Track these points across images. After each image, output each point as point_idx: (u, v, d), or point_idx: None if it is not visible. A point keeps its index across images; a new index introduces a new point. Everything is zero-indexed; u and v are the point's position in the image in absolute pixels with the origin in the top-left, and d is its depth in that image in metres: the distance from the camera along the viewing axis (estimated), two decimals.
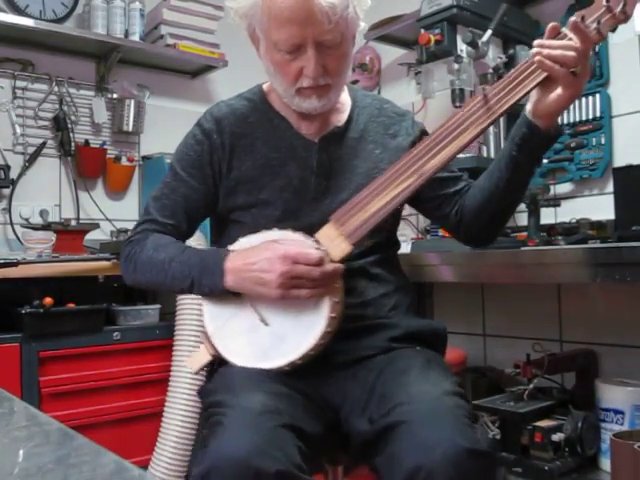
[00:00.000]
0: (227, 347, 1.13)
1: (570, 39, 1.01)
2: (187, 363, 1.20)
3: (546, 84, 1.04)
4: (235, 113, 1.24)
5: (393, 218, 1.27)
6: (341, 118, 1.27)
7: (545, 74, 1.03)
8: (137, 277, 1.22)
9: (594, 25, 1.00)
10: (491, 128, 1.96)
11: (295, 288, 1.05)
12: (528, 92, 1.06)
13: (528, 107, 1.09)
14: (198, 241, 1.99)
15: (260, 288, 1.08)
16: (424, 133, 1.30)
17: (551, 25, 1.04)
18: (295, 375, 1.08)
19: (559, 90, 1.03)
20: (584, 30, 1.00)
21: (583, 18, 1.01)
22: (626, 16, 1.00)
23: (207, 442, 0.94)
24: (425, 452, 0.88)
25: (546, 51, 1.01)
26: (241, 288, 1.11)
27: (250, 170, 1.21)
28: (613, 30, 1.03)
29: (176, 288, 1.19)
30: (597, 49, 1.98)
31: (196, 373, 1.19)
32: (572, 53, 1.00)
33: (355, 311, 1.15)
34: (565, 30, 1.02)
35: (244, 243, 1.14)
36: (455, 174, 1.30)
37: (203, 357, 1.16)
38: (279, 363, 1.08)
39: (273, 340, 1.09)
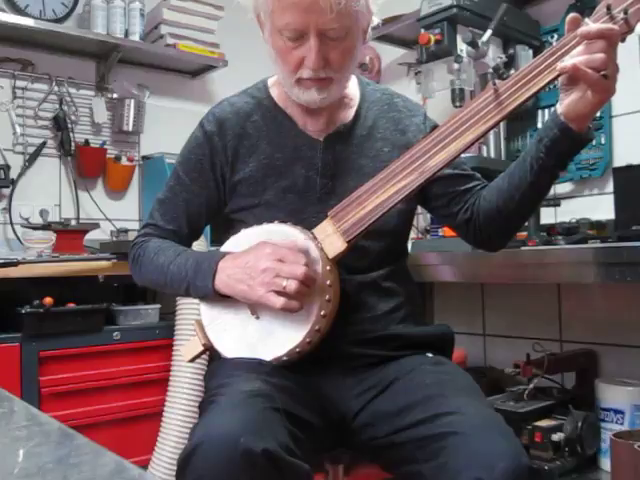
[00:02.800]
0: (219, 338, 1.12)
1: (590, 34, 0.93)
2: (181, 351, 1.19)
3: (573, 83, 0.98)
4: (238, 113, 1.22)
5: (403, 220, 1.22)
6: (348, 114, 1.23)
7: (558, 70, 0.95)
8: (144, 279, 1.24)
9: (621, 15, 0.93)
10: None
11: (274, 293, 1.02)
12: (543, 87, 0.99)
13: (559, 109, 1.01)
14: (199, 241, 1.99)
15: (244, 286, 1.05)
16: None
17: (571, 17, 0.96)
18: (301, 372, 1.08)
19: (591, 94, 0.97)
20: (603, 30, 0.93)
21: (609, 7, 0.94)
22: None
23: (200, 420, 0.94)
24: (485, 466, 0.86)
25: (572, 60, 0.94)
26: (228, 287, 1.08)
27: (254, 171, 1.19)
28: None
29: (177, 291, 1.19)
30: None
31: (190, 362, 1.18)
32: (600, 55, 0.94)
33: (365, 326, 1.14)
34: (587, 20, 0.95)
35: (240, 237, 1.14)
36: (466, 172, 1.25)
37: (196, 347, 1.15)
38: (265, 358, 1.07)
39: (261, 335, 1.08)
